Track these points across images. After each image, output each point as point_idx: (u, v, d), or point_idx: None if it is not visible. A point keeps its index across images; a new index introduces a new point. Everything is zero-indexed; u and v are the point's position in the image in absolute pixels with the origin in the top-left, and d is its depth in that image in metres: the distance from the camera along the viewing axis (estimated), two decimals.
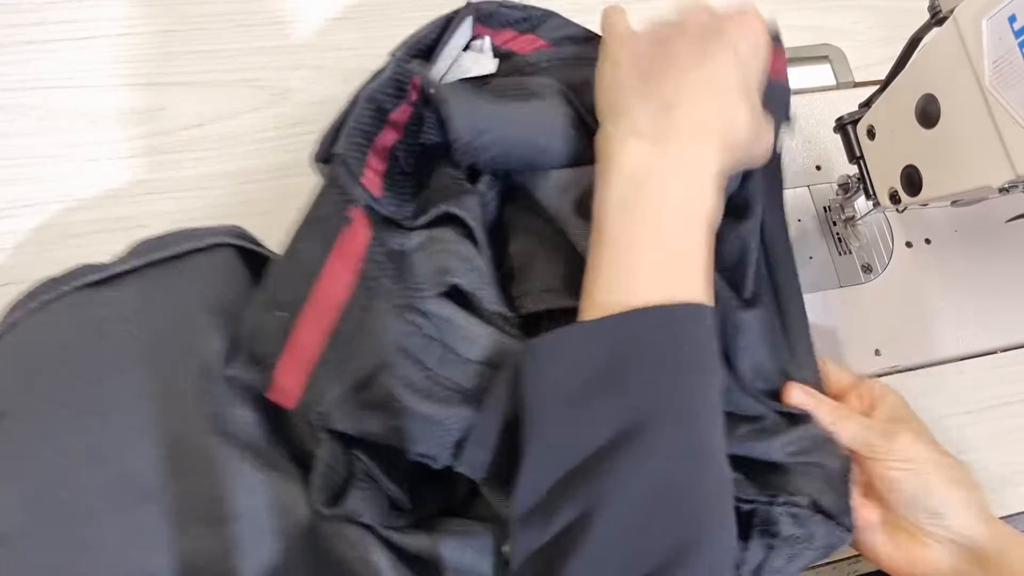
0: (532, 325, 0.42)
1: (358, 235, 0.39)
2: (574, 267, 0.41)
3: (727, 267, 0.45)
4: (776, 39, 0.48)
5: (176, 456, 0.39)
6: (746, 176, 0.46)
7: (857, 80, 0.62)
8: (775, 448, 0.43)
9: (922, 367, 0.55)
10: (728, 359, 0.44)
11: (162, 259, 0.43)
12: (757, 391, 0.45)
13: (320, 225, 0.37)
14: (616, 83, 0.41)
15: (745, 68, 0.41)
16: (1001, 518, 0.51)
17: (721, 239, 0.43)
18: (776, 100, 0.47)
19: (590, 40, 0.51)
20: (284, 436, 0.42)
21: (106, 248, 0.48)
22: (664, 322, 0.35)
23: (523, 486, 0.34)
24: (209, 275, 0.43)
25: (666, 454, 0.33)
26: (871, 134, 0.50)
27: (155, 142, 0.52)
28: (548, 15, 0.51)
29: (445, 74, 0.46)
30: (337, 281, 0.37)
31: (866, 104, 0.51)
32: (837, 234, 0.56)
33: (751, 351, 0.44)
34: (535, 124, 0.43)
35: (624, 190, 0.37)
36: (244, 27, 0.55)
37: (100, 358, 0.41)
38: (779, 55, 0.48)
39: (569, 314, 0.38)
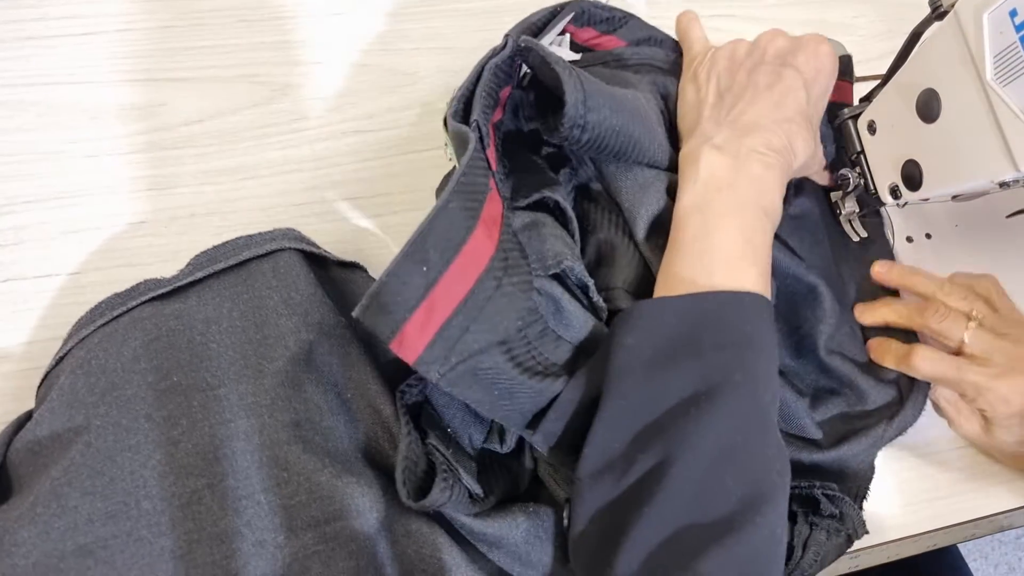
0: (611, 315, 0.44)
1: (496, 204, 0.40)
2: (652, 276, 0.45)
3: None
4: (845, 69, 0.55)
5: (262, 465, 0.40)
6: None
7: (858, 75, 0.62)
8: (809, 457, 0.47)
9: None
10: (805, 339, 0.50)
11: (225, 269, 0.44)
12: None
13: (469, 188, 0.37)
14: (698, 103, 0.48)
15: (809, 95, 0.46)
16: (1001, 514, 0.52)
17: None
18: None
19: (667, 43, 0.55)
20: (360, 442, 0.43)
21: (107, 244, 0.49)
22: (735, 304, 0.39)
23: (595, 443, 0.37)
24: (274, 280, 0.44)
25: (735, 417, 0.37)
26: (872, 129, 0.50)
27: (155, 138, 0.52)
28: (629, 18, 0.55)
29: None
30: (481, 247, 0.37)
31: (867, 99, 0.51)
32: (849, 221, 0.56)
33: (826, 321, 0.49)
34: (634, 114, 0.44)
35: (705, 194, 0.42)
36: (244, 23, 0.55)
37: (177, 370, 0.41)
38: (845, 84, 0.55)
39: None
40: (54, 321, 0.46)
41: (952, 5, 0.40)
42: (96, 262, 0.48)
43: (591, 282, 0.43)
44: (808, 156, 0.46)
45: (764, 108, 0.45)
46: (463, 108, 0.42)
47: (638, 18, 0.55)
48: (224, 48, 0.55)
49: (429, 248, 0.35)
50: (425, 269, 0.35)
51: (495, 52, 0.44)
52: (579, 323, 0.42)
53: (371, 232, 0.52)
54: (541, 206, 0.45)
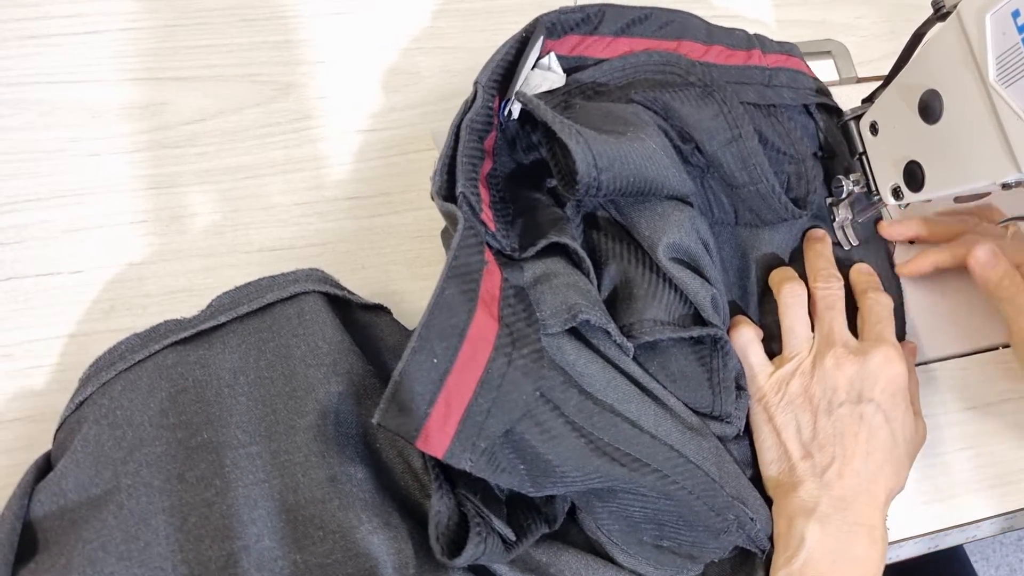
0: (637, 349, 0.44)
1: (494, 277, 0.40)
2: (675, 300, 0.45)
3: None
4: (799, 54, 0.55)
5: (297, 524, 0.39)
6: None
7: (860, 75, 0.62)
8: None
9: (925, 363, 0.55)
10: None
11: (248, 313, 0.43)
12: None
13: (463, 270, 0.37)
14: (784, 455, 0.46)
15: (891, 424, 0.45)
16: (1002, 515, 0.52)
17: None
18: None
19: (652, 19, 0.52)
20: (392, 491, 0.42)
21: (108, 244, 0.49)
22: None
23: None
24: (300, 328, 0.43)
25: None
26: (874, 130, 0.50)
27: (157, 137, 0.52)
28: (604, 9, 0.51)
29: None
30: (485, 327, 0.37)
31: (869, 99, 0.51)
32: (843, 228, 0.56)
33: None
34: (644, 157, 0.43)
35: (796, 565, 0.42)
36: (246, 22, 0.55)
37: (207, 426, 0.41)
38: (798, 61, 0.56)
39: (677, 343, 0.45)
40: (56, 319, 0.47)
41: (955, 6, 0.40)
42: (98, 260, 0.48)
43: (612, 326, 0.42)
44: (901, 486, 0.47)
45: (857, 465, 0.44)
46: (447, 179, 0.41)
47: (613, 5, 0.51)
48: (226, 47, 0.55)
49: (434, 339, 0.34)
50: (435, 361, 0.34)
51: (467, 106, 0.43)
52: (601, 384, 0.41)
53: (373, 232, 0.52)
54: (552, 247, 0.44)
